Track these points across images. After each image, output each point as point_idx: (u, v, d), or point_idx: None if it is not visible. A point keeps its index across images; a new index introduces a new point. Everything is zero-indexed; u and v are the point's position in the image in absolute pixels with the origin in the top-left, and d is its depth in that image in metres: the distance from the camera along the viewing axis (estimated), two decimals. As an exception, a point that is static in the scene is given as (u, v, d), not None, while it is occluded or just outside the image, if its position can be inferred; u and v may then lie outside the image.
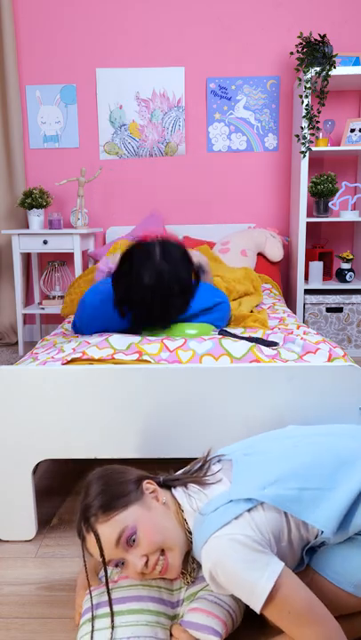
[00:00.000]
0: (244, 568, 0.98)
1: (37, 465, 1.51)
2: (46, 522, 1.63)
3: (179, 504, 1.14)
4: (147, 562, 1.07)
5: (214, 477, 1.15)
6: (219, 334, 1.70)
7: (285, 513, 1.07)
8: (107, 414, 1.44)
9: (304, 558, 1.13)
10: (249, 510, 1.04)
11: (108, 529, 1.05)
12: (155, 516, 1.09)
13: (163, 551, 1.08)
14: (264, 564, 0.99)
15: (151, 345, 1.55)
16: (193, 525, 1.10)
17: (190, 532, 1.12)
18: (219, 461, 1.22)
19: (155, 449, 1.46)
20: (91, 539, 1.07)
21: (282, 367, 1.43)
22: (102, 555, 1.05)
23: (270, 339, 1.71)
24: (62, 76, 3.52)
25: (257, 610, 0.98)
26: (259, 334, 1.76)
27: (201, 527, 1.06)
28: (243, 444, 1.26)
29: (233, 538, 1.00)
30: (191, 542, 1.13)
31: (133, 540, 1.06)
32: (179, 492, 1.17)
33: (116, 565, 1.09)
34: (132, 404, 1.44)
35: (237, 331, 1.86)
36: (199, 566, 1.21)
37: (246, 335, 1.71)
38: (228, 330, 1.81)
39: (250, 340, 1.63)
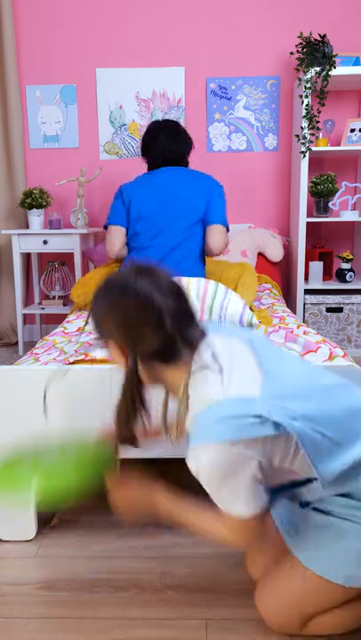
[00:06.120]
0: (231, 490, 1.00)
1: (37, 465, 1.51)
2: (46, 522, 1.63)
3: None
4: None
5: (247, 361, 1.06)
6: None
7: (296, 446, 1.03)
8: (106, 414, 1.44)
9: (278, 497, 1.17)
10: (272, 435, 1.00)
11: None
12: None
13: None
14: (252, 494, 1.01)
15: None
16: (200, 409, 1.02)
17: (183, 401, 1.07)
18: (244, 342, 1.10)
19: (155, 449, 1.46)
20: None
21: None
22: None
23: (272, 337, 1.70)
24: (62, 75, 3.52)
25: (225, 510, 1.03)
26: (260, 331, 1.76)
27: (216, 426, 0.98)
28: (278, 355, 1.11)
29: (243, 461, 0.98)
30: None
31: None
32: (203, 356, 1.05)
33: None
34: (133, 403, 1.43)
35: None
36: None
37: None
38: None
39: None
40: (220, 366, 1.02)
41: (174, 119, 2.35)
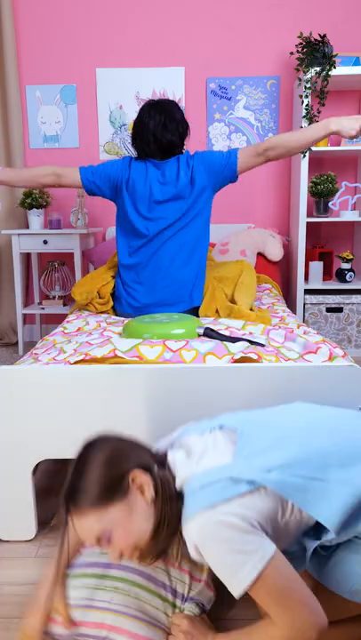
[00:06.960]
0: (231, 551, 0.94)
1: (37, 465, 1.51)
2: (46, 522, 1.63)
3: (173, 475, 1.08)
4: (122, 554, 1.04)
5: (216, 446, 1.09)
6: (204, 335, 1.69)
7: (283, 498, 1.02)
8: (107, 414, 1.44)
9: (307, 554, 1.12)
10: (248, 492, 0.99)
11: (87, 523, 1.00)
12: (134, 521, 1.01)
13: None
14: (255, 548, 0.94)
15: (153, 348, 1.55)
16: (185, 493, 1.04)
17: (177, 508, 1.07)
18: (220, 429, 1.14)
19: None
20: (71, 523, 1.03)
21: (283, 367, 1.43)
22: (62, 542, 1.11)
23: (271, 336, 1.70)
24: (62, 75, 3.52)
25: (235, 594, 0.95)
26: (259, 329, 1.76)
27: (193, 498, 1.00)
28: (250, 414, 1.17)
29: (226, 519, 0.95)
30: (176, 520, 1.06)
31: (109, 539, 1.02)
32: (173, 455, 1.11)
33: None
34: (133, 403, 1.44)
35: (238, 323, 1.85)
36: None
37: (229, 334, 1.70)
38: (214, 328, 1.79)
39: (234, 339, 1.62)
40: (193, 457, 1.07)
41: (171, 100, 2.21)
